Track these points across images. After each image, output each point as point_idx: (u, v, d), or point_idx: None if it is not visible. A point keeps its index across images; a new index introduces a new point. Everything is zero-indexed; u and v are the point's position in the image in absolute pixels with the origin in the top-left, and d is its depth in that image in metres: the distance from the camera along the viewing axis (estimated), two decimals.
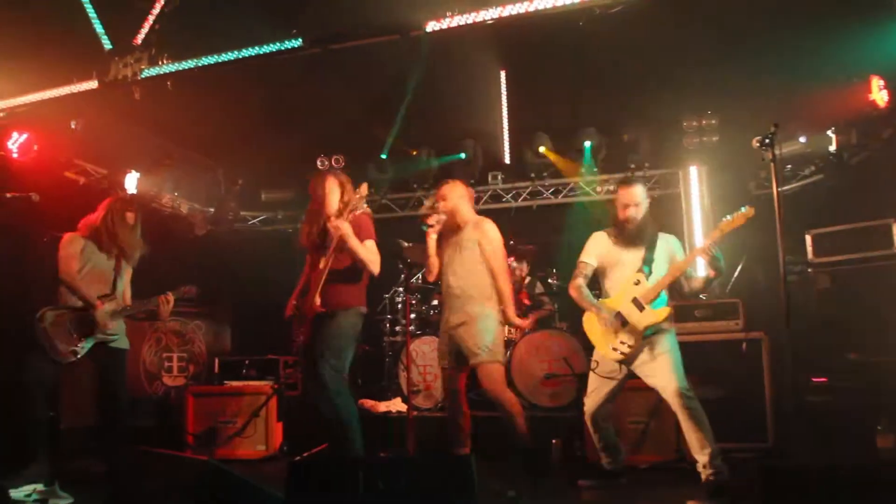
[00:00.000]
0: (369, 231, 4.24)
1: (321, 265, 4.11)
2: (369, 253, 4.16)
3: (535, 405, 5.66)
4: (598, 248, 4.21)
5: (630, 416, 4.75)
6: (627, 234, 4.10)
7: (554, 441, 5.01)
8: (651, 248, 4.09)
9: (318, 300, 4.10)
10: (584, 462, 4.65)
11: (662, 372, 3.87)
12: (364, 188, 4.20)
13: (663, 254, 4.11)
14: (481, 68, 6.88)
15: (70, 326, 4.29)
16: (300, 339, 4.30)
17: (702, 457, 3.74)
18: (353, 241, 4.08)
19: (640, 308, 3.96)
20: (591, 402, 4.14)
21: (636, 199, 4.09)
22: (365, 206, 4.29)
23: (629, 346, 3.94)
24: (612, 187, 7.39)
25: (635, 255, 4.09)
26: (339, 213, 4.18)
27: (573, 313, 6.54)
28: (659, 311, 3.96)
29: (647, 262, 4.05)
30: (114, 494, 3.07)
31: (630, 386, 4.25)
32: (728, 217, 3.83)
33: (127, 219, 4.53)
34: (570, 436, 4.96)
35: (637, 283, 4.01)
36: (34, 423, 4.24)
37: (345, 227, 4.04)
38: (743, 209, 3.78)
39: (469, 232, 4.35)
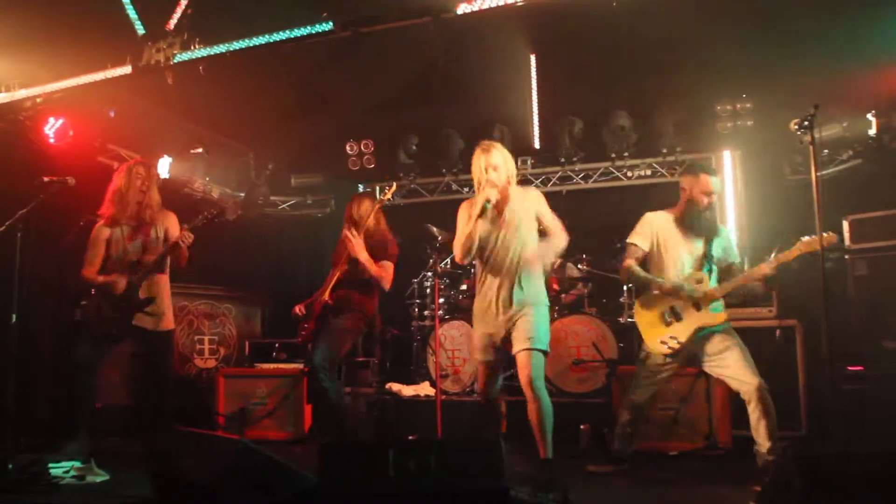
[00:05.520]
0: (392, 254, 4.60)
1: (336, 271, 4.58)
2: (382, 271, 4.52)
3: (563, 391, 5.64)
4: (653, 230, 4.09)
5: (661, 402, 4.70)
6: (694, 223, 4.01)
7: (582, 427, 5.00)
8: (710, 242, 4.02)
9: (326, 295, 4.53)
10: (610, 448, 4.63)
11: (740, 366, 3.80)
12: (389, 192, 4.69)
13: (720, 249, 4.06)
14: (511, 52, 6.81)
15: (106, 309, 4.40)
16: (305, 332, 4.65)
17: (768, 442, 3.71)
18: (363, 255, 4.44)
19: (698, 308, 3.90)
20: (641, 393, 4.10)
21: (714, 189, 4.01)
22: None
23: (678, 343, 3.88)
24: (642, 172, 7.31)
25: (694, 246, 4.03)
26: (355, 225, 4.58)
27: (602, 298, 6.54)
28: (718, 315, 3.91)
29: (709, 259, 3.99)
30: (151, 473, 3.12)
31: None
32: (807, 238, 3.72)
33: (134, 175, 4.56)
34: (599, 422, 4.94)
35: (699, 281, 3.94)
36: (78, 402, 4.35)
37: (356, 242, 4.43)
38: (825, 234, 3.64)
39: (520, 201, 3.78)
